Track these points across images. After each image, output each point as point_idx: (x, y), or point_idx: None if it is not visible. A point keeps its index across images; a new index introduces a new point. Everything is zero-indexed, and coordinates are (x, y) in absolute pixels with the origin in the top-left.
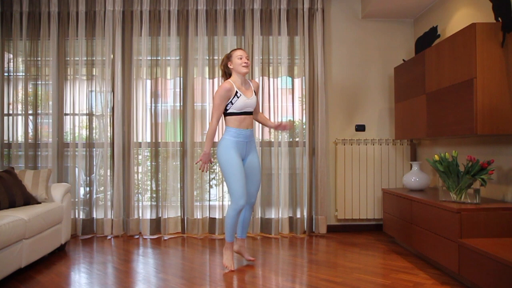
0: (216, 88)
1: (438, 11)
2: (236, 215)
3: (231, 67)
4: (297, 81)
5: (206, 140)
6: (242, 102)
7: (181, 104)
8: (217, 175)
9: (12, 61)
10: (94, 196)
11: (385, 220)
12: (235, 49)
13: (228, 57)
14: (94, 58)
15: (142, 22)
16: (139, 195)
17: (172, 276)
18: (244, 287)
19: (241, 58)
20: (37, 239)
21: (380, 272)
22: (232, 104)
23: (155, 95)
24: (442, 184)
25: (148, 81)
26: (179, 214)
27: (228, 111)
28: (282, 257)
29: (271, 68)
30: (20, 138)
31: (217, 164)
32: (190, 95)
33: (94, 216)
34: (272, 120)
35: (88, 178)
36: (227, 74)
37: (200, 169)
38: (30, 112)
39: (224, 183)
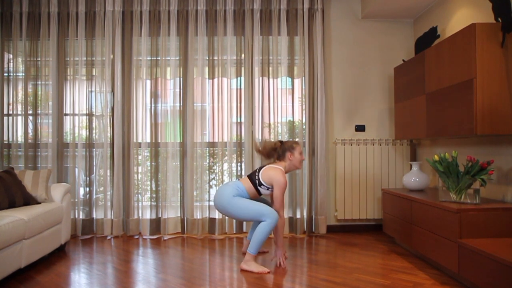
0: (216, 88)
1: (438, 11)
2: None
3: (290, 158)
4: (297, 82)
5: (279, 235)
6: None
7: (181, 104)
8: (217, 175)
9: (12, 61)
10: (94, 196)
11: (385, 220)
12: (297, 143)
13: (291, 149)
14: (94, 58)
15: (142, 22)
16: (139, 195)
17: (172, 276)
18: (244, 287)
19: (300, 154)
20: (37, 239)
21: (380, 272)
22: (272, 189)
23: (155, 95)
24: (442, 184)
25: (148, 81)
26: (179, 214)
27: (259, 187)
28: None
29: (271, 69)
30: (20, 138)
31: (224, 210)
32: (190, 95)
33: (94, 216)
34: (272, 120)
35: (88, 178)
36: (275, 154)
37: (280, 265)
38: (30, 112)
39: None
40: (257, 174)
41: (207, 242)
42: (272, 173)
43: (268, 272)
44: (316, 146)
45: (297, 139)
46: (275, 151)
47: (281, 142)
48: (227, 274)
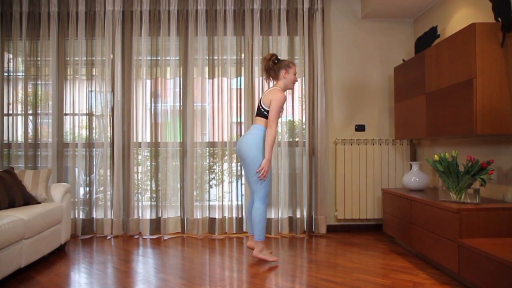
0: (216, 88)
1: (438, 11)
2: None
3: (284, 76)
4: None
5: (268, 147)
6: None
7: (181, 104)
8: (217, 175)
9: (12, 61)
10: (94, 196)
11: (385, 220)
12: (293, 64)
13: (286, 67)
14: (94, 58)
15: (142, 22)
16: (139, 195)
17: (172, 276)
18: (244, 287)
19: (295, 74)
20: (37, 239)
21: (380, 272)
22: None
23: (155, 95)
24: (442, 184)
25: (148, 81)
26: (179, 214)
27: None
28: (282, 257)
29: None
30: (20, 138)
31: (245, 159)
32: (190, 95)
33: (94, 216)
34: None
35: (88, 178)
36: (270, 73)
37: (261, 178)
38: (30, 112)
39: (225, 183)
40: (260, 106)
41: (207, 242)
42: (270, 94)
43: (277, 260)
44: (316, 146)
45: (297, 139)
46: (269, 61)
47: (277, 59)
48: (227, 274)
